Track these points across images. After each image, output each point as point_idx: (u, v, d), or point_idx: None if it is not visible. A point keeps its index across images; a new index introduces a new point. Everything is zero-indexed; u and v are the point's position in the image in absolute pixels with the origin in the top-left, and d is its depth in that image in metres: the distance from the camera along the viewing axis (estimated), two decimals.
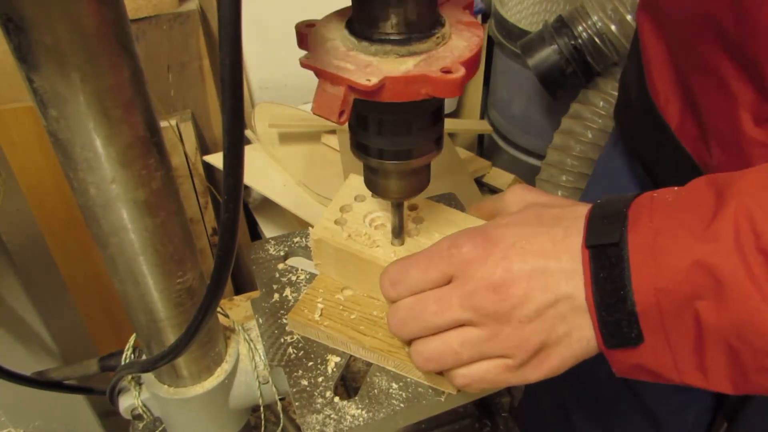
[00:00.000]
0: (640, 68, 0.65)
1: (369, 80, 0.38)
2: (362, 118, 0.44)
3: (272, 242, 0.64)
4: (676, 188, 0.41)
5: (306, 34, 0.43)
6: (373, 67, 0.39)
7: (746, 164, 0.49)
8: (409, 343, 0.51)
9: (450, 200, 0.66)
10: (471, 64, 0.41)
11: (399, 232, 0.53)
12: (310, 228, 0.57)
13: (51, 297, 0.80)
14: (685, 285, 0.37)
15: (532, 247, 0.43)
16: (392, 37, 0.40)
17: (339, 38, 0.42)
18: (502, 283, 0.42)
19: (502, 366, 0.44)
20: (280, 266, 0.62)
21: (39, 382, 0.58)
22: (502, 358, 0.44)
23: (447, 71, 0.39)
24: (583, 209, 0.44)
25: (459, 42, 0.42)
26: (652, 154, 0.66)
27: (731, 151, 0.52)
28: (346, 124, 0.46)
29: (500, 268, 0.42)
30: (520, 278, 0.42)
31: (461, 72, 0.39)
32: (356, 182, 0.59)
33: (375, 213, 0.57)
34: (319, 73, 0.40)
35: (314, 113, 0.40)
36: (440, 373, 0.48)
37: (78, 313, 0.92)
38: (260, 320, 0.57)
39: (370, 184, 0.50)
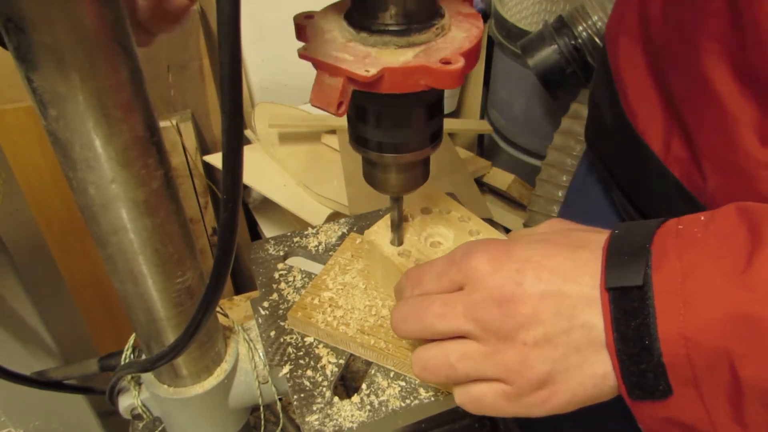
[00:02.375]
0: (613, 89, 0.61)
1: (368, 71, 0.38)
2: (361, 111, 0.44)
3: (272, 242, 0.64)
4: (703, 218, 0.37)
5: (304, 25, 0.42)
6: (371, 57, 0.39)
7: (749, 188, 0.46)
8: (409, 343, 0.51)
9: None
10: (471, 55, 0.40)
11: (398, 228, 0.53)
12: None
13: (51, 297, 0.80)
14: (719, 336, 0.33)
15: (551, 263, 0.39)
16: (391, 28, 0.40)
17: (337, 29, 0.42)
18: (510, 297, 0.39)
19: (499, 392, 0.41)
20: (280, 266, 0.62)
21: (39, 382, 0.58)
22: (500, 382, 0.40)
23: (446, 62, 0.39)
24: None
25: (459, 33, 0.42)
26: (634, 182, 0.61)
27: (731, 174, 0.48)
28: (346, 119, 0.46)
29: (510, 282, 0.39)
30: (530, 296, 0.38)
31: (461, 63, 0.38)
32: (431, 192, 0.58)
33: (435, 229, 0.56)
34: (317, 64, 0.39)
35: (312, 105, 0.39)
36: None
37: (78, 313, 0.92)
38: (260, 320, 0.57)
39: (368, 177, 0.49)
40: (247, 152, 1.41)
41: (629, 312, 0.36)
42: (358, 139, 0.46)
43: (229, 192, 0.34)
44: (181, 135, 1.34)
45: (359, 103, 0.43)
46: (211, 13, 1.40)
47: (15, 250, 0.66)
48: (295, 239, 0.64)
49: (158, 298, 0.46)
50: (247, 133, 1.48)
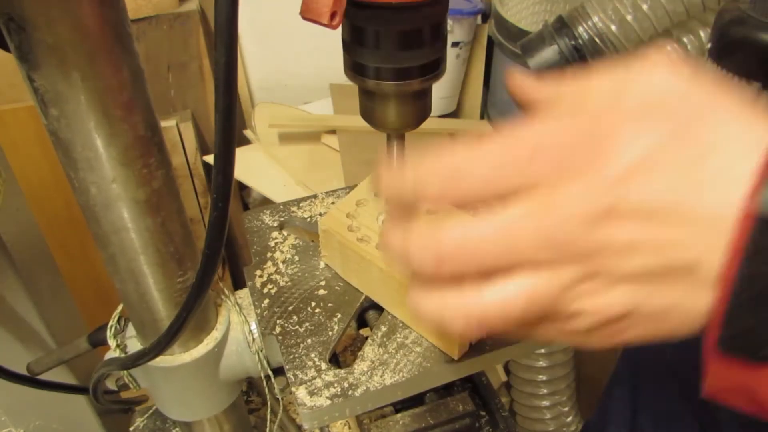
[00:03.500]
0: None
1: None
2: (358, 31, 0.40)
3: (267, 211, 0.63)
4: None
5: None
6: None
7: None
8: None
9: None
10: None
11: None
12: (319, 216, 0.55)
13: (51, 296, 0.80)
14: None
15: (666, 163, 0.27)
16: None
17: None
18: (606, 215, 0.27)
19: (566, 330, 0.32)
20: (275, 235, 0.60)
21: (39, 382, 0.58)
22: (569, 319, 0.31)
23: None
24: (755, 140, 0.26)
25: None
26: None
27: None
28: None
29: (611, 196, 0.27)
30: (634, 216, 0.27)
31: None
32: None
33: None
34: None
35: (303, 17, 0.35)
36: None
37: (78, 313, 0.92)
38: (253, 288, 0.55)
39: (365, 113, 0.46)
40: (247, 152, 1.41)
41: None
42: (354, 67, 0.42)
43: (220, 191, 0.34)
44: (181, 135, 1.34)
45: (356, 22, 0.40)
46: (211, 13, 1.40)
47: (15, 250, 0.66)
48: (291, 209, 0.63)
49: (159, 298, 0.46)
50: (247, 133, 1.48)
